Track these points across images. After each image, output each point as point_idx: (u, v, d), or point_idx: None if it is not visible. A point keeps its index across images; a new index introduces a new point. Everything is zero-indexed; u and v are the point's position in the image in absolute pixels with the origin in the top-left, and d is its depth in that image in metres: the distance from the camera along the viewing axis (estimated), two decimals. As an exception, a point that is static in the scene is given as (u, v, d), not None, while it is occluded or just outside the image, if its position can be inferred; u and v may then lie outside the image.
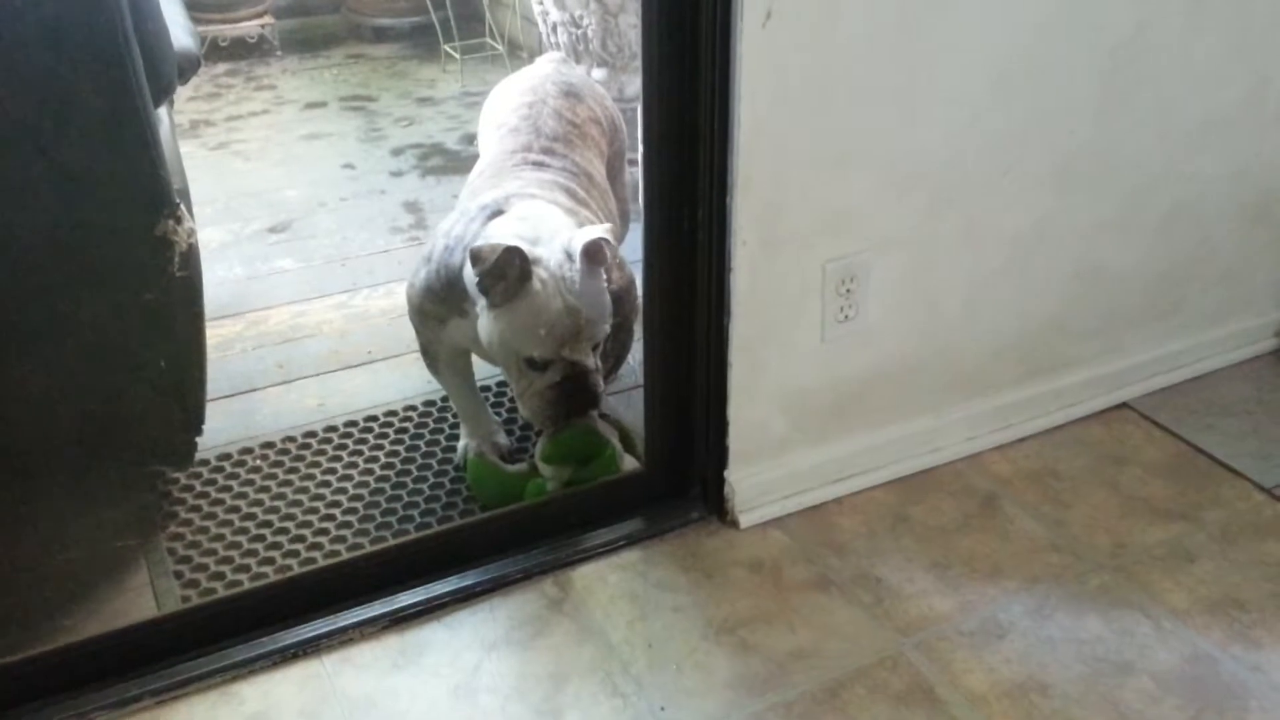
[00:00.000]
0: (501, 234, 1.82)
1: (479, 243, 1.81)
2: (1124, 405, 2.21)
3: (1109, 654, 1.67)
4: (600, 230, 1.84)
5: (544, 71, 2.36)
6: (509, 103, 2.28)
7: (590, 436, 1.94)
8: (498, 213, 1.90)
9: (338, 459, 2.09)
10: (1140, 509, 1.95)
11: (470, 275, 1.82)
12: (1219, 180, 2.14)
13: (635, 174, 2.97)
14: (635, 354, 2.02)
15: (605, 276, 1.88)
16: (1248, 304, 2.33)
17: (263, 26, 4.45)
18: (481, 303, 1.83)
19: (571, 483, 1.92)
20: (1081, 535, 1.89)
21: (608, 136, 2.32)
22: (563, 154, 2.13)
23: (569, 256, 1.81)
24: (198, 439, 1.94)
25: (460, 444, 2.10)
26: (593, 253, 1.82)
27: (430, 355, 2.08)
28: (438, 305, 1.96)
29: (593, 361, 1.87)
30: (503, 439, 2.11)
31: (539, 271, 1.79)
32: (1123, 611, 1.74)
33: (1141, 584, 1.79)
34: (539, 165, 2.09)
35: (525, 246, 1.78)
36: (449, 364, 2.07)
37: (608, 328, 1.88)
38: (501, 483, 1.96)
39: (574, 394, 1.86)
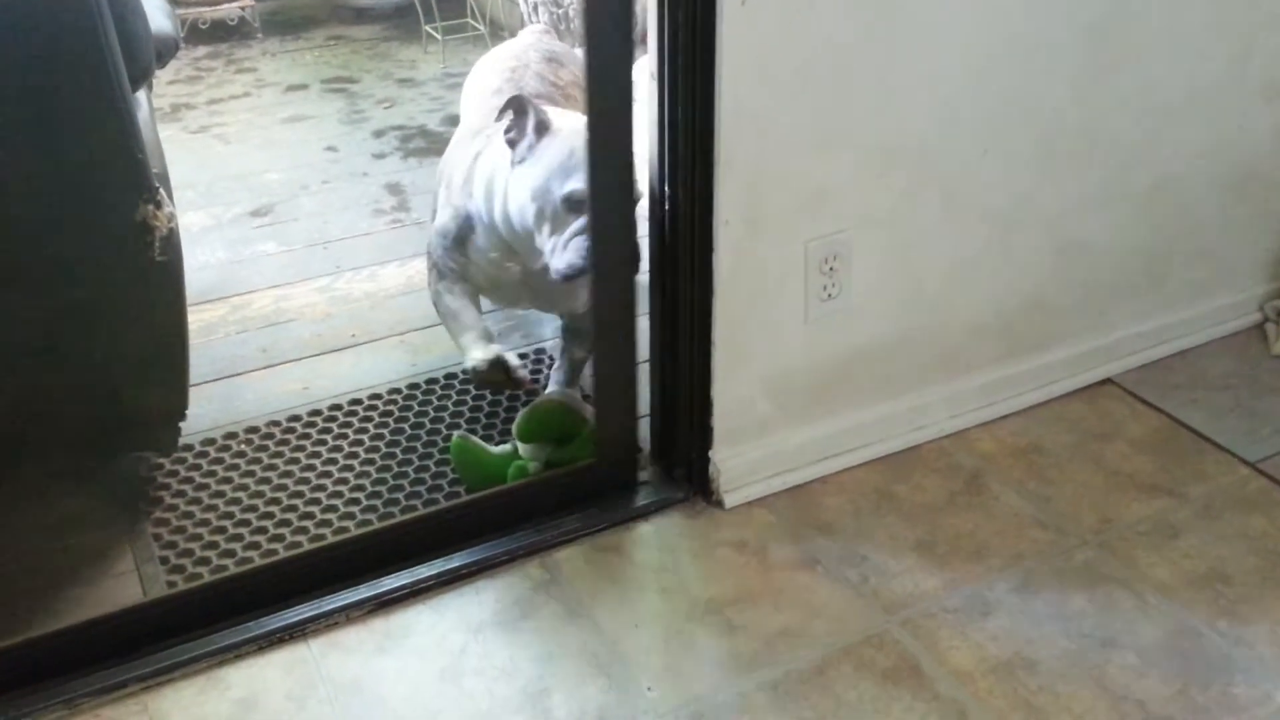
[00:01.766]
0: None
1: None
2: (1108, 381, 2.22)
3: (1094, 629, 1.68)
4: None
5: (526, 41, 2.36)
6: (489, 67, 2.29)
7: (568, 415, 1.94)
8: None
9: (322, 443, 2.08)
10: (1125, 484, 1.96)
11: (501, 146, 1.91)
12: (1201, 155, 2.14)
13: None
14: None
15: None
16: (1230, 279, 2.33)
17: (243, 9, 4.42)
18: (513, 169, 1.89)
19: (551, 464, 1.91)
20: (1066, 511, 1.90)
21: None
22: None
23: None
24: (181, 424, 1.93)
25: (473, 360, 1.99)
26: None
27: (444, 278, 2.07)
28: (458, 254, 2.02)
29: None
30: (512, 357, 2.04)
31: (567, 119, 1.88)
32: (1108, 587, 1.75)
33: (1126, 559, 1.80)
34: None
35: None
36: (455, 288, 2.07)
37: (642, 189, 1.84)
38: (485, 465, 1.95)
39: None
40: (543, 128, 1.88)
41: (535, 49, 2.30)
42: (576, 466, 1.91)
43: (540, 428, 1.93)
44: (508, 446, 1.98)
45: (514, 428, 1.94)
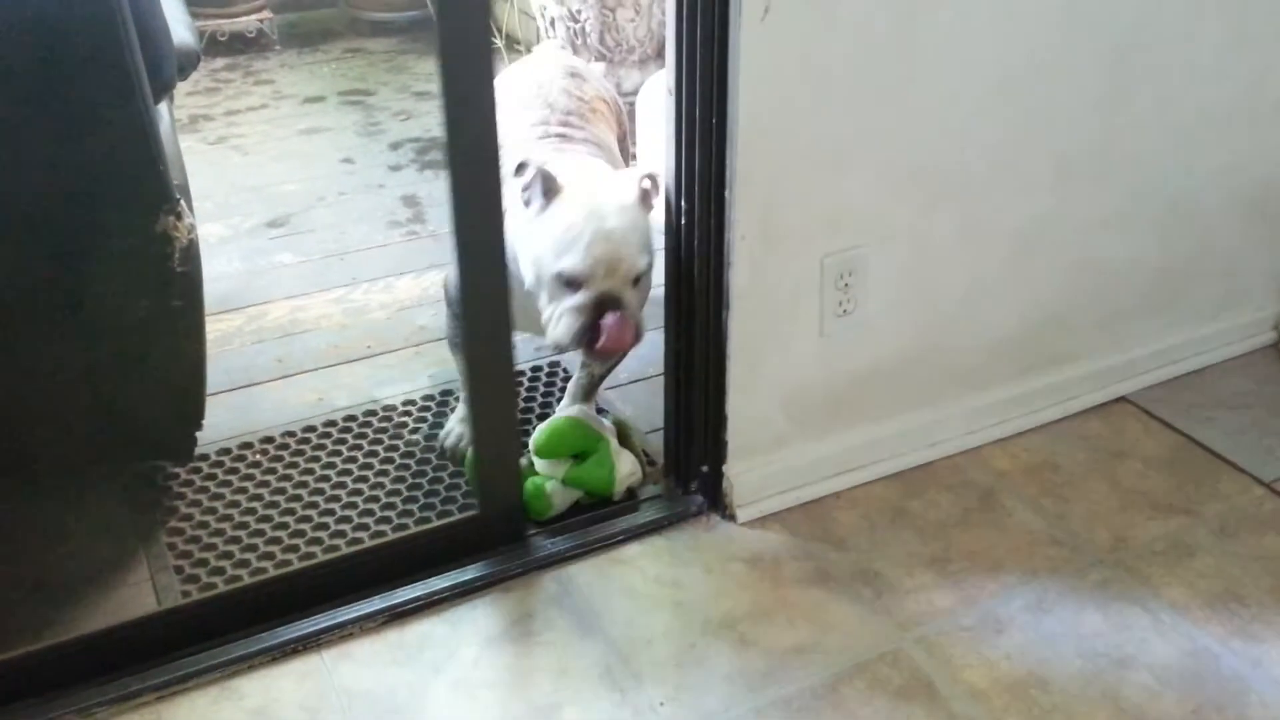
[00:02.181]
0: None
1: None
2: (1123, 399, 2.21)
3: (1108, 648, 1.67)
4: (654, 168, 1.84)
5: (545, 55, 2.35)
6: (513, 85, 2.25)
7: (584, 429, 1.93)
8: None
9: (337, 453, 2.09)
10: (1139, 503, 1.95)
11: (518, 189, 1.84)
12: (1218, 175, 2.14)
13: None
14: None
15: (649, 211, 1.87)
16: (1246, 298, 2.33)
17: (261, 21, 4.44)
18: (527, 212, 1.83)
19: (569, 481, 1.91)
20: (1081, 529, 1.89)
21: (615, 117, 2.30)
22: (580, 126, 2.09)
23: (616, 187, 1.83)
24: (197, 434, 1.93)
25: (452, 428, 2.08)
26: (644, 191, 1.83)
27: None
28: None
29: (631, 297, 1.80)
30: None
31: (575, 190, 1.80)
32: (1122, 606, 1.74)
33: (1141, 578, 1.80)
34: (562, 138, 2.04)
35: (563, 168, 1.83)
36: None
37: (646, 263, 1.82)
38: None
39: (610, 321, 1.77)
40: (551, 193, 1.81)
41: (555, 63, 2.29)
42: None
43: (557, 444, 1.92)
44: (523, 461, 1.98)
45: (530, 444, 1.94)
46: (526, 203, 1.82)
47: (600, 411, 2.03)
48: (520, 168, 1.81)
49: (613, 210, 1.78)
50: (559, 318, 1.80)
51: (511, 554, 1.82)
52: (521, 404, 2.18)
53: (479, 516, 1.85)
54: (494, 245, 1.66)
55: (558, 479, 1.90)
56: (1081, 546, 1.86)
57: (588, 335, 1.77)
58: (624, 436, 2.00)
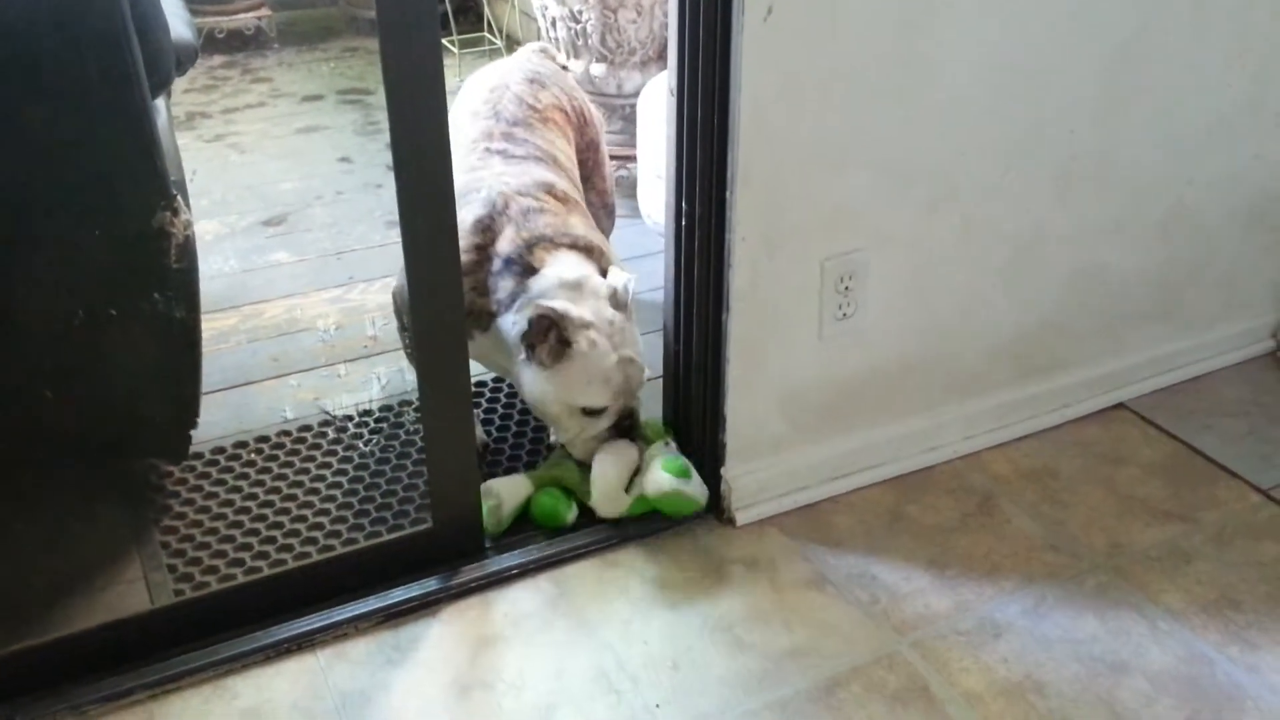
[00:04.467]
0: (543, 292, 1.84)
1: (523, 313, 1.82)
2: (1121, 406, 2.21)
3: (1105, 654, 1.67)
4: (627, 274, 1.88)
5: (515, 61, 2.32)
6: (471, 91, 2.26)
7: (580, 475, 1.91)
8: (517, 264, 1.87)
9: (333, 453, 2.08)
10: (1137, 509, 1.95)
11: (510, 331, 1.85)
12: (1218, 183, 2.14)
13: (632, 170, 2.97)
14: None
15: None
16: (1245, 306, 2.33)
17: (259, 18, 4.43)
18: (522, 355, 1.84)
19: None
20: (1078, 535, 1.89)
21: (574, 125, 2.27)
22: (523, 139, 2.09)
23: (614, 305, 1.84)
24: (192, 432, 1.93)
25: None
26: (622, 298, 1.86)
27: None
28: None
29: (637, 400, 1.90)
30: (482, 433, 2.08)
31: (588, 333, 1.80)
32: (1119, 611, 1.74)
33: (1138, 584, 1.79)
34: (503, 154, 2.05)
35: (570, 309, 1.80)
36: None
37: (647, 371, 1.89)
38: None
39: (624, 433, 1.90)
40: (561, 350, 1.80)
41: (519, 68, 2.26)
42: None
43: (553, 481, 1.91)
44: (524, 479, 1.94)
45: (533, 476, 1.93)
46: (530, 347, 1.82)
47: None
48: (534, 328, 1.79)
49: (620, 337, 1.83)
50: (583, 441, 1.88)
51: (511, 555, 1.82)
52: (481, 415, 2.17)
53: (472, 518, 1.84)
54: (446, 253, 1.63)
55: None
56: (1079, 552, 1.86)
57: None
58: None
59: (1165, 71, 1.97)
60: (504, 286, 1.87)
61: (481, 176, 1.98)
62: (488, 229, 1.91)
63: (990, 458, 2.07)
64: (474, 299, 1.89)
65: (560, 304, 1.80)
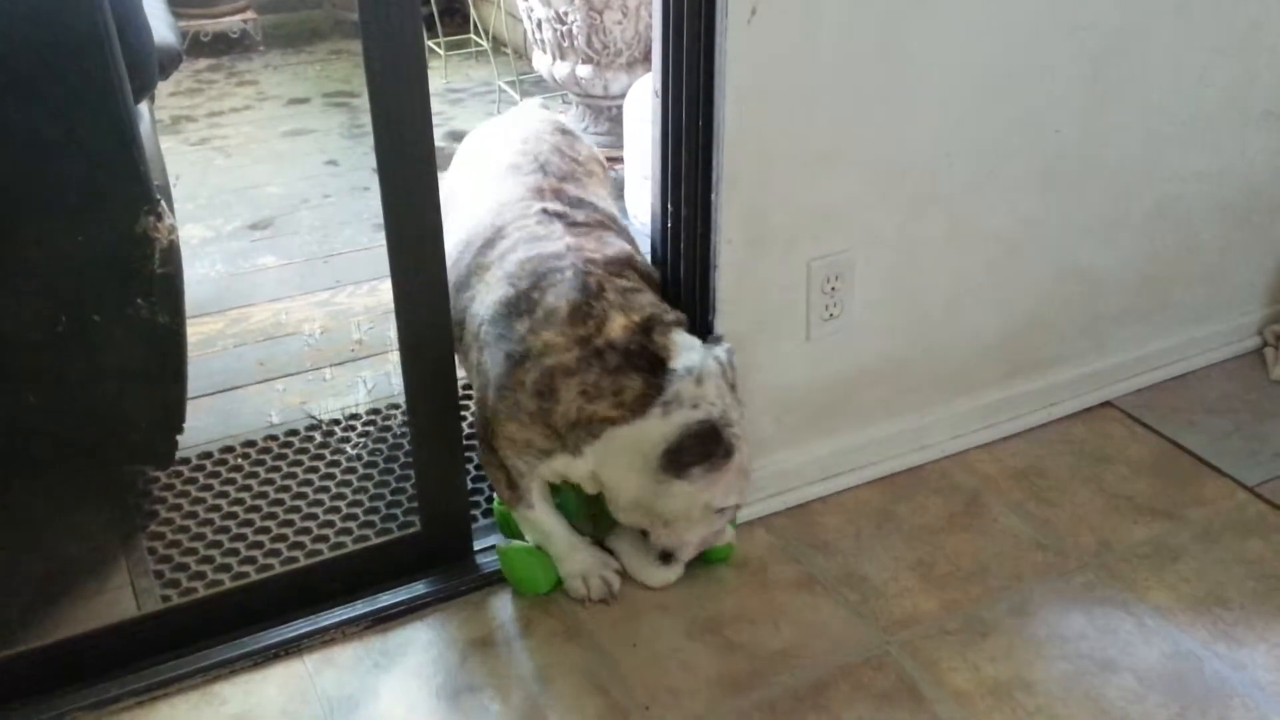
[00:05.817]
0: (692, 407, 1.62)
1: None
2: (1108, 404, 2.22)
3: (1093, 651, 1.67)
4: (724, 343, 1.70)
5: (529, 111, 2.16)
6: (496, 140, 2.01)
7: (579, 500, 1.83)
8: (640, 357, 1.63)
9: (320, 457, 2.07)
10: (1124, 507, 1.95)
11: (653, 443, 1.62)
12: (1202, 180, 2.15)
13: (619, 172, 2.97)
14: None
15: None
16: (1230, 303, 2.33)
17: (245, 21, 4.42)
18: (656, 465, 1.63)
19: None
20: (1066, 533, 1.90)
21: (605, 173, 2.09)
22: (576, 196, 1.85)
23: (730, 386, 1.67)
24: (178, 437, 1.92)
25: (574, 580, 1.77)
26: (731, 377, 1.69)
27: (519, 490, 1.73)
28: (548, 439, 1.66)
29: None
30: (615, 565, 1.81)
31: (735, 431, 1.64)
32: (1106, 609, 1.74)
33: (1125, 582, 1.80)
34: (564, 219, 1.77)
35: (727, 414, 1.63)
36: (543, 496, 1.75)
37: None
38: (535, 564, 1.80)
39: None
40: (724, 461, 1.63)
41: (541, 118, 2.07)
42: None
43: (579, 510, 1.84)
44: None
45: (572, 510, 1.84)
46: (688, 465, 1.62)
47: None
48: (691, 448, 1.61)
49: (738, 413, 1.67)
50: (701, 542, 1.75)
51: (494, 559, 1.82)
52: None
53: (460, 522, 1.84)
54: (431, 255, 1.60)
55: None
56: (1066, 550, 1.86)
57: None
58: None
59: (1149, 70, 1.98)
60: (630, 387, 1.61)
61: (555, 250, 1.70)
62: (588, 316, 1.62)
63: (978, 457, 2.08)
64: (582, 405, 1.61)
65: (717, 411, 1.61)
